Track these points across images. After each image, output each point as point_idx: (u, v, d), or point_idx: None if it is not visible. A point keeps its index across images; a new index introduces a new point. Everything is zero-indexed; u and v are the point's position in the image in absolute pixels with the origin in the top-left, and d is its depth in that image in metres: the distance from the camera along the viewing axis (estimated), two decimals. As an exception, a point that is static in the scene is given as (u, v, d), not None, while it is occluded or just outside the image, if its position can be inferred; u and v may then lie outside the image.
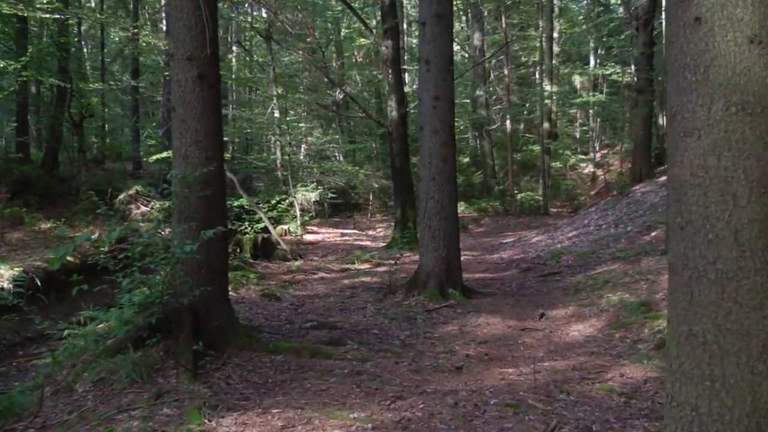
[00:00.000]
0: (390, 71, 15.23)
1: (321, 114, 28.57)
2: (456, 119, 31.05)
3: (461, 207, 25.29)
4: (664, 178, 15.86)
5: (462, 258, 13.84)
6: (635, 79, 17.11)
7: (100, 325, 6.82)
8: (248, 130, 21.82)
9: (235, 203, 17.74)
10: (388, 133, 15.76)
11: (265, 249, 13.83)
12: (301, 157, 25.66)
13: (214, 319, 6.24)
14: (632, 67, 22.75)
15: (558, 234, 15.43)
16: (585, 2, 32.24)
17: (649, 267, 8.74)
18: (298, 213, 19.08)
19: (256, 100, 26.50)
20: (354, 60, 24.93)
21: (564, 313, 7.77)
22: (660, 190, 14.81)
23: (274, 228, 19.60)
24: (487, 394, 5.05)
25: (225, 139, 22.44)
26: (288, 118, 21.84)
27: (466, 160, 31.09)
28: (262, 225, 19.27)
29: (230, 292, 9.72)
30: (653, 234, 10.92)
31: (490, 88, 28.70)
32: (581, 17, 32.77)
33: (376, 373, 5.68)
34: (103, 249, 7.26)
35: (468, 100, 29.68)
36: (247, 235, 14.51)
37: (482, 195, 26.32)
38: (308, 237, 19.39)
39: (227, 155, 20.07)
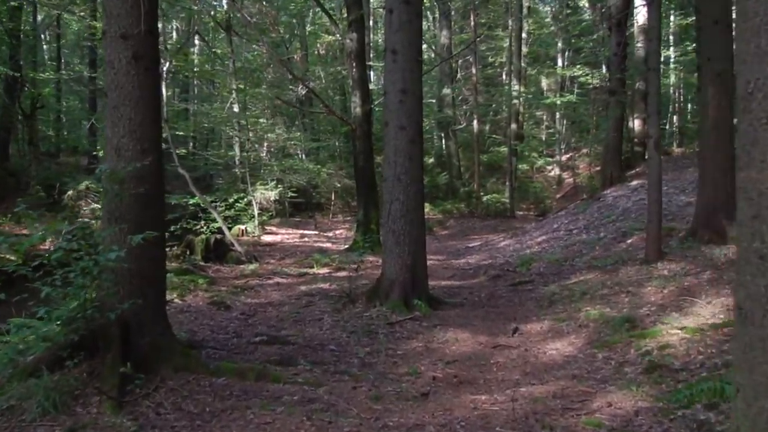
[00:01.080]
0: (354, 65, 14.49)
1: (284, 111, 27.71)
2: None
3: (426, 208, 24.62)
4: (635, 182, 15.44)
5: (427, 263, 13.29)
6: (607, 80, 16.66)
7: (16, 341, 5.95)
8: (206, 125, 20.82)
9: (191, 201, 16.86)
10: (352, 131, 15.02)
11: (219, 251, 12.96)
12: (263, 155, 24.78)
13: (146, 335, 5.44)
14: (603, 68, 22.42)
15: (526, 238, 14.88)
16: (554, 3, 31.89)
17: (628, 277, 8.16)
18: (256, 212, 18.21)
19: (217, 95, 25.53)
20: (317, 54, 24.05)
21: (539, 328, 7.13)
22: (632, 194, 14.37)
23: (231, 228, 18.78)
24: (458, 430, 4.37)
25: (180, 133, 21.57)
26: (248, 114, 20.94)
27: (431, 160, 30.51)
28: (218, 225, 18.46)
29: (175, 300, 8.92)
30: (629, 241, 10.38)
31: (456, 89, 28.18)
32: (548, 19, 32.47)
33: (330, 401, 4.94)
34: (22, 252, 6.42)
35: (434, 100, 29.11)
36: (200, 236, 13.65)
37: (447, 196, 25.74)
38: (266, 238, 18.53)
39: (183, 151, 19.12)
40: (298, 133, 24.78)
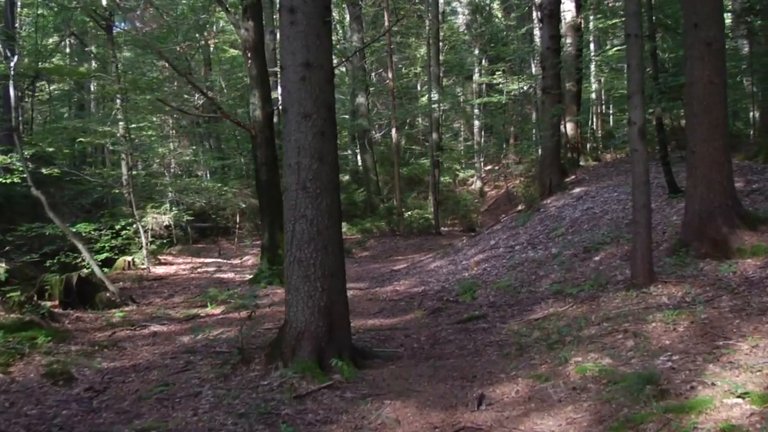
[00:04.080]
0: (251, 60, 12.09)
1: (188, 129, 24.98)
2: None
3: (342, 228, 22.33)
4: (578, 189, 13.71)
5: (349, 297, 10.95)
6: (542, 77, 14.95)
7: None
8: (82, 140, 17.77)
9: (72, 230, 14.00)
10: (252, 137, 12.58)
11: (84, 292, 10.16)
12: (166, 176, 21.90)
13: None
14: (532, 67, 20.94)
15: (460, 258, 12.81)
16: (466, 11, 30.50)
17: (617, 308, 6.12)
18: (144, 241, 15.37)
19: (99, 104, 22.50)
20: (208, 44, 21.38)
21: (514, 394, 4.93)
22: (577, 203, 12.57)
23: (116, 260, 15.89)
24: None
25: (49, 149, 18.41)
26: (135, 125, 18.09)
27: (347, 177, 28.38)
28: (102, 256, 15.56)
29: (-8, 372, 6.25)
30: (596, 258, 8.41)
31: (371, 97, 26.21)
32: (462, 29, 31.12)
33: None
34: None
35: (347, 116, 27.05)
36: (72, 273, 10.81)
37: (366, 214, 23.56)
38: (159, 270, 15.72)
39: (52, 170, 16.07)
40: (194, 147, 21.99)
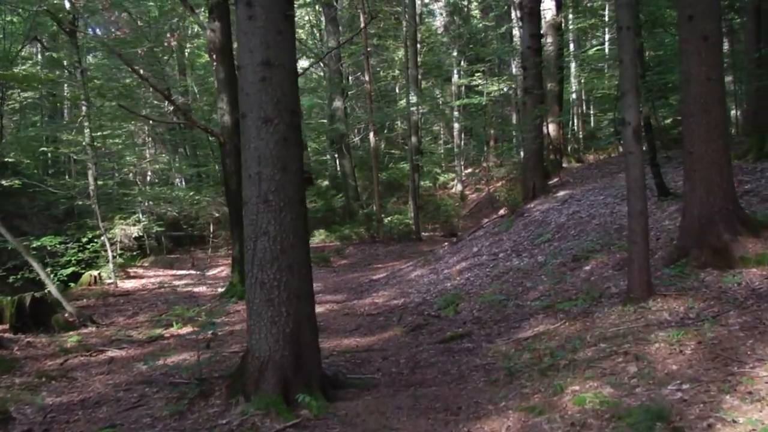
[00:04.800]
0: (218, 62, 11.45)
1: (164, 137, 24.22)
2: (312, 139, 27.31)
3: (321, 235, 21.73)
4: (563, 192, 13.23)
5: (322, 309, 10.31)
6: (523, 77, 14.44)
7: None
8: (45, 149, 16.98)
9: (35, 244, 13.33)
10: (221, 145, 11.94)
11: (39, 314, 9.41)
12: (139, 184, 21.13)
13: None
14: (512, 68, 20.47)
15: (442, 266, 12.26)
16: (443, 12, 30.02)
17: (614, 326, 5.58)
18: (110, 254, 14.62)
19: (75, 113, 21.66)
20: (172, 47, 20.65)
21: (505, 431, 4.36)
22: (562, 207, 12.06)
23: (82, 275, 15.14)
24: None
25: (9, 160, 17.57)
26: (99, 134, 17.32)
27: (326, 183, 27.75)
28: (68, 271, 14.82)
29: None
30: (587, 268, 7.88)
31: (349, 101, 25.62)
32: (440, 31, 30.65)
33: None
34: None
35: (325, 120, 26.42)
36: (22, 294, 10.07)
37: (345, 220, 22.95)
38: (127, 284, 14.98)
39: (12, 182, 15.27)
40: (162, 155, 21.25)
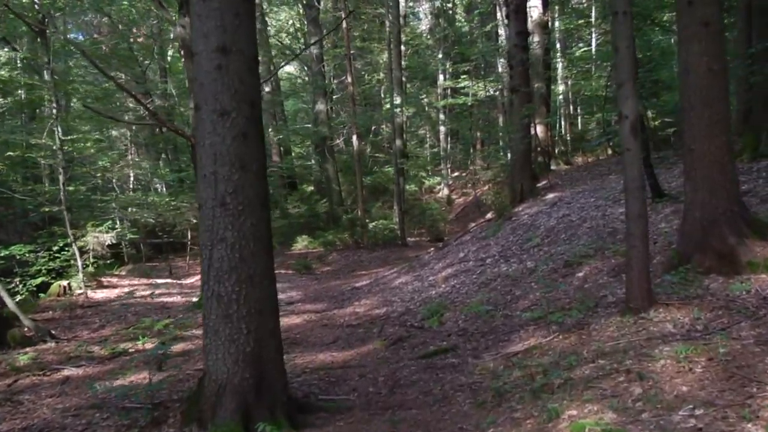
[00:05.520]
0: (188, 59, 10.85)
1: (147, 141, 23.57)
2: (296, 144, 26.61)
3: (304, 241, 21.12)
4: (552, 195, 12.73)
5: (300, 320, 9.75)
6: (509, 76, 13.95)
7: None
8: (12, 153, 16.25)
9: (2, 253, 12.74)
10: (191, 146, 11.31)
11: (-5, 327, 8.80)
12: (116, 189, 20.42)
13: None
14: (498, 67, 19.99)
15: (427, 273, 11.72)
16: (428, 15, 29.58)
17: (613, 340, 5.04)
18: (79, 263, 13.95)
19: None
20: (135, 39, 20.00)
21: (494, 465, 3.81)
22: (552, 210, 11.56)
23: (51, 285, 14.46)
24: None
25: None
26: (70, 137, 16.60)
27: (310, 188, 27.18)
28: (37, 281, 14.15)
29: None
30: (580, 275, 7.34)
31: (332, 104, 25.07)
32: (426, 35, 30.20)
33: None
34: None
35: (309, 125, 25.84)
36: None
37: (328, 226, 22.37)
38: (98, 294, 14.29)
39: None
40: (136, 159, 20.55)
